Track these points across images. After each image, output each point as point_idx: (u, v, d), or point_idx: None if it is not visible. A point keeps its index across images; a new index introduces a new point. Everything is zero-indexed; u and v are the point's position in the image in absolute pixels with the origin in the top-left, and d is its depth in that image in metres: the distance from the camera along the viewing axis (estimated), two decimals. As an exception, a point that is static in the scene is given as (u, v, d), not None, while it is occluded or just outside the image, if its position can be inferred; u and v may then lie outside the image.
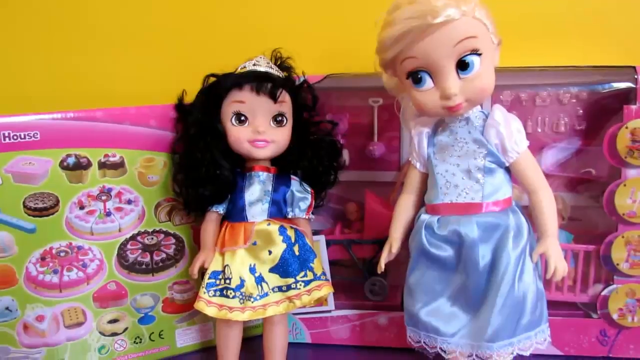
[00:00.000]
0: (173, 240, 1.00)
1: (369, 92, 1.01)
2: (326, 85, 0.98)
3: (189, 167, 0.91)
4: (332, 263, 1.02)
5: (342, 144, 0.98)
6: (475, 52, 0.77)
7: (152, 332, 1.01)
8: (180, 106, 0.95)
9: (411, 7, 0.75)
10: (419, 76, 0.78)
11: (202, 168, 0.90)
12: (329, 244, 1.02)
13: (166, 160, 0.97)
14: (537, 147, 0.96)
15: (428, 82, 0.78)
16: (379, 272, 0.89)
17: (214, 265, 0.91)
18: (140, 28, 1.18)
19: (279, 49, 0.94)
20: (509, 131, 0.81)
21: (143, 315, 1.00)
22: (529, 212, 0.83)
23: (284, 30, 1.12)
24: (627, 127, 0.91)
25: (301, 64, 0.95)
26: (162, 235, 0.99)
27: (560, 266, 0.80)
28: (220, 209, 0.93)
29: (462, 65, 0.77)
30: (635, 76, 0.91)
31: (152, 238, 0.99)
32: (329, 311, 1.03)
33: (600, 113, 0.95)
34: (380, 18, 0.80)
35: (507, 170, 0.83)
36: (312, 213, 0.95)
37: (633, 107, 0.91)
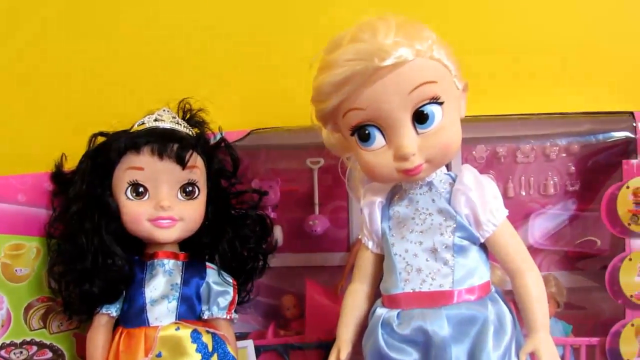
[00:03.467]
0: (49, 355, 0.99)
1: (306, 151, 1.05)
2: (250, 144, 1.01)
3: (70, 256, 0.92)
4: (264, 377, 1.02)
5: (273, 219, 1.01)
6: (436, 100, 0.80)
7: None
8: (58, 175, 0.97)
9: (354, 47, 0.78)
10: (367, 132, 0.81)
11: (87, 257, 0.90)
12: (259, 351, 1.03)
13: (39, 247, 0.97)
14: (520, 215, 1.01)
15: (378, 140, 0.81)
16: (325, 386, 0.90)
17: (105, 387, 0.90)
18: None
19: (188, 99, 0.97)
20: (483, 198, 0.84)
21: None
22: (514, 299, 0.86)
23: (193, 73, 1.14)
24: (628, 187, 0.96)
25: (217, 117, 0.98)
26: (35, 348, 0.99)
27: (555, 368, 0.82)
28: (113, 311, 0.93)
29: (420, 118, 0.80)
30: (634, 124, 0.97)
31: (21, 352, 0.98)
32: None
33: (597, 169, 1.01)
34: (317, 58, 0.83)
35: (483, 247, 0.86)
36: (236, 311, 0.96)
37: (633, 161, 0.97)
